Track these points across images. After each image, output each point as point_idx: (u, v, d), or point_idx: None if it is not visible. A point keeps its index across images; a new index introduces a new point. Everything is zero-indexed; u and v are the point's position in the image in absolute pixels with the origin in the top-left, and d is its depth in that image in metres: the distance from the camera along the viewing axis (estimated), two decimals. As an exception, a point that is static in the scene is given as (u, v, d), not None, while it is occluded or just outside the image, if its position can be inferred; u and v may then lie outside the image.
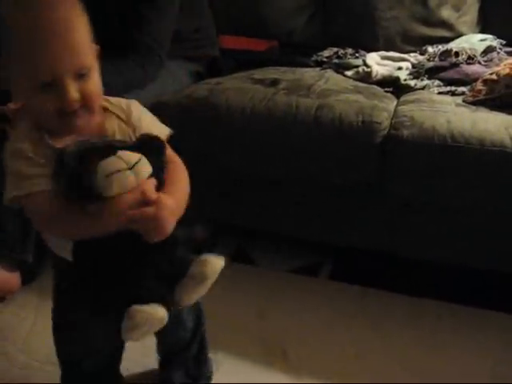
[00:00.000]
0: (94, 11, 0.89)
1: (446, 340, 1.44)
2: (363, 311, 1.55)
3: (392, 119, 1.51)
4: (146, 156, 0.83)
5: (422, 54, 1.96)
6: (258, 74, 1.82)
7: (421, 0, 2.02)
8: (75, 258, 0.88)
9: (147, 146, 0.86)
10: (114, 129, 0.91)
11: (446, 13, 2.01)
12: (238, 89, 1.65)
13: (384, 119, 1.48)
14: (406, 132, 1.44)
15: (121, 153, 0.81)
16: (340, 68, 1.92)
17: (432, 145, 1.41)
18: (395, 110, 1.56)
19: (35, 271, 1.61)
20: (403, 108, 1.55)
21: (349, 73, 1.87)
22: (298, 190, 1.62)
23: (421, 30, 2.03)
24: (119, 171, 0.80)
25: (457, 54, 1.80)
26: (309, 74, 1.84)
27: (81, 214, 0.82)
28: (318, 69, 1.94)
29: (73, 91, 0.83)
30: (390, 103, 1.61)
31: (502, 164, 1.36)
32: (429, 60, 1.86)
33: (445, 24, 2.02)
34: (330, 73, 1.88)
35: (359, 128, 1.47)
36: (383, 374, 1.33)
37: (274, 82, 1.69)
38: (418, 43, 2.00)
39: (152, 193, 0.83)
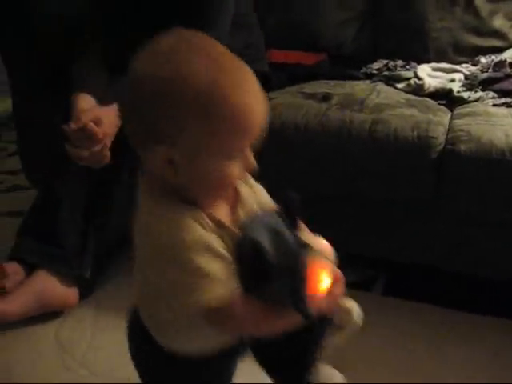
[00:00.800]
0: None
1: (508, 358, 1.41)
2: (418, 328, 1.52)
3: (448, 134, 1.49)
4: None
5: (474, 64, 1.93)
6: (309, 88, 1.82)
7: (472, 10, 1.99)
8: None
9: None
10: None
11: (498, 22, 1.98)
12: (290, 104, 1.65)
13: (440, 134, 1.47)
14: (463, 147, 1.42)
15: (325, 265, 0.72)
16: (390, 80, 1.91)
17: (490, 159, 1.39)
18: (450, 124, 1.54)
19: (92, 286, 1.64)
20: (458, 122, 1.53)
21: (400, 85, 1.86)
22: (352, 205, 1.62)
23: (473, 40, 2.00)
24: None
25: (511, 64, 1.76)
26: (359, 87, 1.83)
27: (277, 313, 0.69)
28: (368, 81, 1.93)
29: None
30: (445, 117, 1.59)
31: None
32: (482, 71, 1.84)
33: (497, 33, 1.98)
34: (380, 86, 1.87)
35: (415, 143, 1.46)
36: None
37: (326, 97, 1.69)
38: (470, 54, 1.97)
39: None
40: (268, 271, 0.66)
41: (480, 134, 1.43)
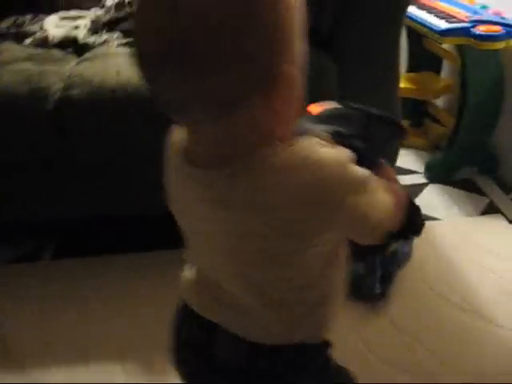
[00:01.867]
0: None
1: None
2: (79, 283, 1.51)
3: (65, 82, 1.44)
4: None
5: (101, 8, 1.90)
6: None
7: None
8: None
9: None
10: None
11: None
12: None
13: (52, 83, 1.41)
14: (75, 92, 1.38)
15: None
16: (19, 38, 1.79)
17: (103, 100, 1.37)
18: (70, 72, 1.49)
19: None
20: (77, 68, 1.49)
21: (28, 41, 1.76)
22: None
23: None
24: None
25: (130, 3, 1.77)
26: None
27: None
28: (-4, 42, 1.79)
29: None
30: (65, 65, 1.53)
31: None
32: (106, 13, 1.81)
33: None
34: (7, 44, 1.74)
35: (27, 97, 1.38)
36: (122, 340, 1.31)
37: None
38: (96, -3, 1.93)
39: None
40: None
41: (92, 77, 1.41)
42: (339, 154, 0.57)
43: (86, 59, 1.55)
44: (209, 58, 0.49)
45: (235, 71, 0.50)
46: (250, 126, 0.54)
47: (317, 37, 1.43)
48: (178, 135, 0.62)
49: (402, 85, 1.80)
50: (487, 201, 1.81)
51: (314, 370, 0.66)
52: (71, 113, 1.38)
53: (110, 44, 1.67)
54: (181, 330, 0.69)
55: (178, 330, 0.69)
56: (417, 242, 1.45)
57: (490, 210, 1.77)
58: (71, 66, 1.53)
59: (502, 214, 1.74)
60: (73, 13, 1.86)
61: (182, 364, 0.70)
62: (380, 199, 0.60)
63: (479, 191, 1.84)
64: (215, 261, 0.62)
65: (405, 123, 2.15)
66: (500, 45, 1.66)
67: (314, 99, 1.33)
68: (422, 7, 1.97)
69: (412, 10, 1.95)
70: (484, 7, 1.83)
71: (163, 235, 1.55)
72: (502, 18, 1.72)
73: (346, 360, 0.74)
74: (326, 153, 0.55)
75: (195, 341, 0.66)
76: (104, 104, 1.37)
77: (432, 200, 1.80)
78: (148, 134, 1.39)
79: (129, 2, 1.77)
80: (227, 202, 0.56)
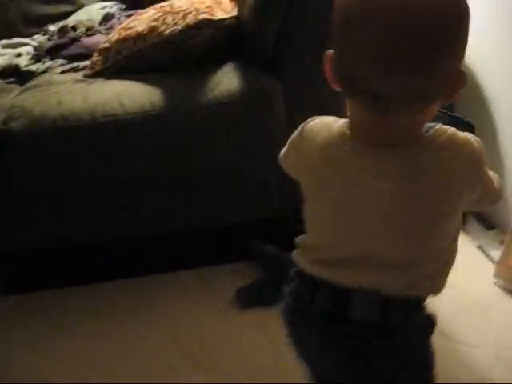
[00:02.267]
0: None
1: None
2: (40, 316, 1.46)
3: (6, 113, 1.39)
4: None
5: (44, 34, 1.86)
6: None
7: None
8: None
9: None
10: None
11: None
12: None
13: (-6, 116, 1.36)
14: (15, 124, 1.34)
15: None
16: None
17: (43, 131, 1.33)
18: (12, 103, 1.44)
19: None
20: (19, 98, 1.45)
21: (-30, 70, 1.70)
22: None
23: (41, 9, 1.92)
24: None
25: (74, 27, 1.73)
26: None
27: None
28: None
29: None
30: (7, 96, 1.49)
31: (115, 133, 1.34)
32: (49, 40, 1.77)
33: (67, -1, 1.94)
34: None
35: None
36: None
37: None
38: (40, 23, 1.90)
39: None
40: None
41: (33, 107, 1.36)
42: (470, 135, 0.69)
43: (27, 89, 1.51)
44: (428, 67, 0.61)
45: (439, 77, 0.62)
46: (424, 119, 0.68)
47: (261, 56, 1.41)
48: (325, 132, 0.73)
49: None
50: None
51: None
52: (10, 146, 1.33)
53: (53, 71, 1.63)
54: (306, 304, 0.75)
55: (303, 304, 0.76)
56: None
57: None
58: (12, 96, 1.49)
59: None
60: (15, 40, 1.82)
61: (310, 336, 0.76)
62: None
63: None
64: (365, 227, 0.71)
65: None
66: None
67: (261, 119, 1.32)
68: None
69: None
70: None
71: (112, 265, 1.54)
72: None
73: None
74: (465, 134, 0.69)
75: (327, 309, 0.73)
76: (45, 135, 1.32)
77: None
78: (93, 161, 1.37)
79: (72, 27, 1.73)
80: (396, 173, 0.68)
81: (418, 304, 0.76)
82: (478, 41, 1.60)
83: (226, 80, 1.37)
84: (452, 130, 0.68)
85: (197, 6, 1.44)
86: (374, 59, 0.61)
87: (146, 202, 1.45)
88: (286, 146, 0.81)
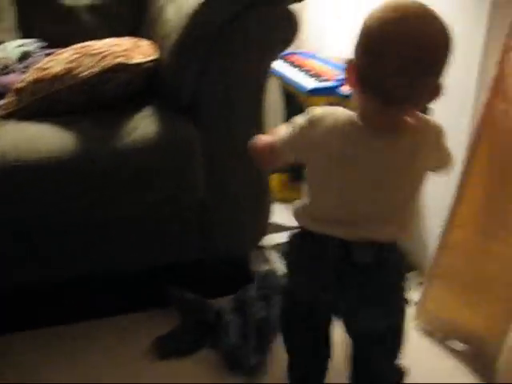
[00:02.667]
0: None
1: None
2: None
3: None
4: None
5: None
6: None
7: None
8: None
9: None
10: None
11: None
12: None
13: None
14: None
15: None
16: None
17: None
18: None
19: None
20: None
21: None
22: None
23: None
24: None
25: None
26: None
27: None
28: None
29: None
30: None
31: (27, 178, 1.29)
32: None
33: None
34: None
35: None
36: None
37: None
38: None
39: None
40: None
41: None
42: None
43: None
44: (433, 75, 0.89)
45: (429, 87, 0.90)
46: (408, 113, 0.95)
47: (180, 101, 1.40)
48: (334, 122, 0.96)
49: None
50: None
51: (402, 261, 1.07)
52: None
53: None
54: (320, 254, 1.02)
55: (318, 255, 1.02)
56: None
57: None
58: None
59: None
60: None
61: (327, 272, 1.02)
62: None
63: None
64: (360, 191, 0.97)
65: (283, 178, 2.16)
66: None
67: (178, 165, 1.29)
68: (294, 66, 2.00)
69: (284, 68, 1.98)
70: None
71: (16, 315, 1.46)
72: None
73: None
74: (433, 119, 0.98)
75: (337, 255, 1.00)
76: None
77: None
78: (3, 207, 1.31)
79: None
80: (389, 148, 0.94)
81: (395, 245, 1.03)
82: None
83: (143, 125, 1.35)
84: (425, 116, 0.97)
85: (114, 48, 1.42)
86: (395, 74, 0.87)
87: (55, 248, 1.39)
88: (291, 135, 1.02)
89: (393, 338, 1.09)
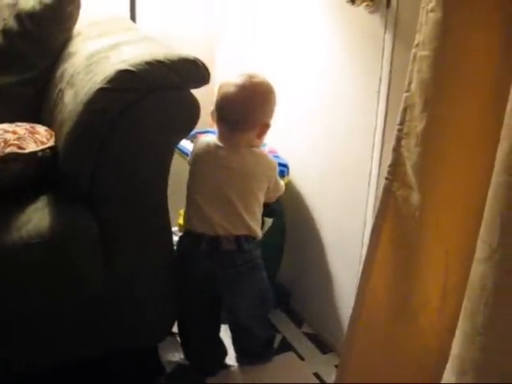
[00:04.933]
0: None
1: None
2: None
3: None
4: None
5: None
6: None
7: None
8: None
9: None
10: None
11: None
12: None
13: None
14: None
15: None
16: None
17: None
18: None
19: None
20: None
21: None
22: None
23: None
24: None
25: None
26: None
27: None
28: None
29: None
30: None
31: None
32: None
33: None
34: None
35: None
36: None
37: None
38: None
39: None
40: None
41: None
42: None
43: None
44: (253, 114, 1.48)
45: (258, 122, 1.48)
46: (248, 140, 1.49)
47: (77, 190, 1.34)
48: (202, 142, 1.52)
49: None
50: (280, 337, 1.77)
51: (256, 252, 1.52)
52: None
53: None
54: (196, 248, 1.48)
55: (194, 249, 1.49)
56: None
57: (283, 347, 1.73)
58: None
59: (295, 351, 1.73)
60: None
61: (201, 265, 1.49)
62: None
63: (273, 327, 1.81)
64: (218, 194, 1.47)
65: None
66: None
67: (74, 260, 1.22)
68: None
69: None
70: (262, 145, 1.88)
71: None
72: (276, 156, 1.76)
73: None
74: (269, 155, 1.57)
75: (209, 247, 1.47)
76: None
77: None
78: None
79: None
80: (233, 165, 1.47)
81: (251, 237, 1.48)
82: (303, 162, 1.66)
83: (36, 218, 1.28)
84: (265, 151, 1.57)
85: (7, 136, 1.36)
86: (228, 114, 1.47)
87: None
88: (191, 156, 1.55)
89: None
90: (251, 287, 1.52)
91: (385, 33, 1.35)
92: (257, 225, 1.49)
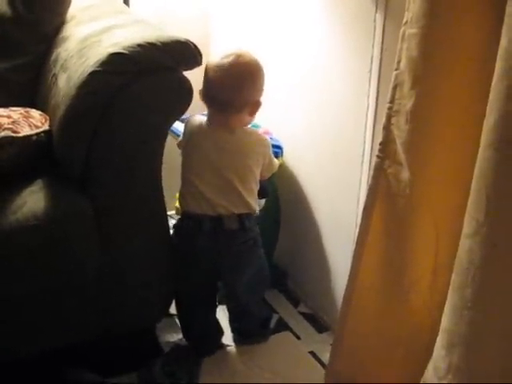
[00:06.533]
0: None
1: None
2: None
3: None
4: None
5: None
6: None
7: None
8: None
9: None
10: None
11: None
12: None
13: None
14: None
15: None
16: None
17: None
18: None
19: None
20: None
21: None
22: None
23: None
24: None
25: None
26: None
27: None
28: None
29: None
30: None
31: None
32: None
33: None
34: None
35: None
36: None
37: None
38: None
39: None
40: None
41: None
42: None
43: None
44: (243, 95, 1.47)
45: (248, 102, 1.47)
46: (240, 120, 1.49)
47: (72, 173, 1.35)
48: (194, 123, 1.53)
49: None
50: (277, 317, 1.79)
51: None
52: None
53: None
54: (199, 229, 1.49)
55: (198, 230, 1.50)
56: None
57: (279, 327, 1.75)
58: None
59: (291, 330, 1.74)
60: None
61: (203, 245, 1.51)
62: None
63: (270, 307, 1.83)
64: (218, 174, 1.48)
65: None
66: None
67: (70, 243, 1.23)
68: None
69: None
70: (256, 126, 1.89)
71: None
72: (270, 138, 1.77)
73: None
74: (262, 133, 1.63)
75: (211, 229, 1.49)
76: None
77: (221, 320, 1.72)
78: None
79: None
80: (228, 145, 1.48)
81: (251, 215, 1.51)
82: (297, 144, 1.67)
83: (32, 201, 1.29)
84: (257, 130, 1.62)
85: (1, 120, 1.36)
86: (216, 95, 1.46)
87: None
88: (183, 137, 1.56)
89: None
90: (251, 263, 1.55)
91: (376, 12, 1.35)
92: (254, 201, 1.51)
